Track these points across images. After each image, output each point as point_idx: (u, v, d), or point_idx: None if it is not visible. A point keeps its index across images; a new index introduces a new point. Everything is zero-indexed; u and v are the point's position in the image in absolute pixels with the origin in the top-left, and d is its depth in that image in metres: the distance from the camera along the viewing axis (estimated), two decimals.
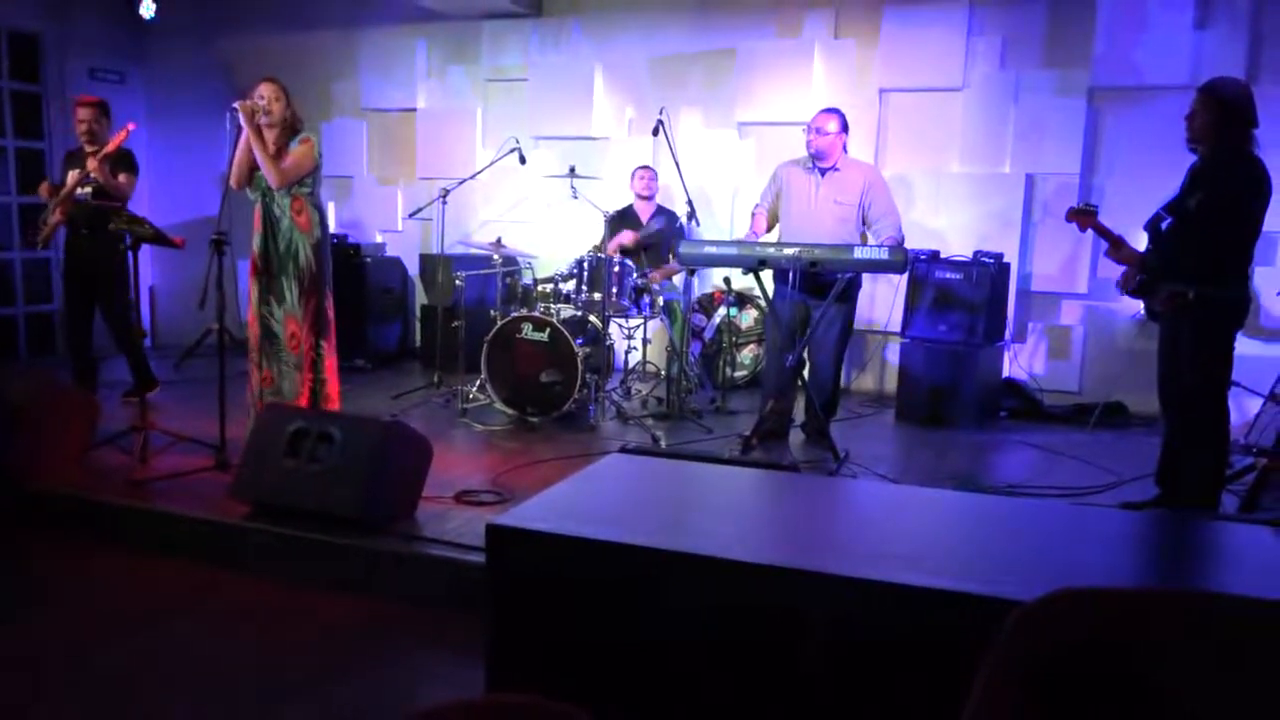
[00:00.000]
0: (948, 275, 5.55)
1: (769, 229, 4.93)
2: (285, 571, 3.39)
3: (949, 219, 6.12)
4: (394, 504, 3.54)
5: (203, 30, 7.76)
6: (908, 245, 4.73)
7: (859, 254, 4.33)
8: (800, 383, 4.75)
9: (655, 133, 5.43)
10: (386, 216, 7.56)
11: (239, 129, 4.18)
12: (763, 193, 4.97)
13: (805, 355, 4.73)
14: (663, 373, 6.00)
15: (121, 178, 5.18)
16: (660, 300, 5.65)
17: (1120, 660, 1.12)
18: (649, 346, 6.01)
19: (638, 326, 5.88)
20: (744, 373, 6.42)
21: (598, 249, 5.51)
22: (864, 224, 4.76)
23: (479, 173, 6.13)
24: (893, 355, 6.11)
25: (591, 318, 5.38)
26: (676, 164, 5.51)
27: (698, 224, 5.92)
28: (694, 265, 5.34)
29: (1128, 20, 5.65)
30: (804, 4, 6.40)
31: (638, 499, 2.55)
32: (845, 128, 4.74)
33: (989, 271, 5.48)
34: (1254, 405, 4.85)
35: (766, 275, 4.62)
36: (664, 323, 5.96)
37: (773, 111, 6.41)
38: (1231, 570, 2.28)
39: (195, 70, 7.74)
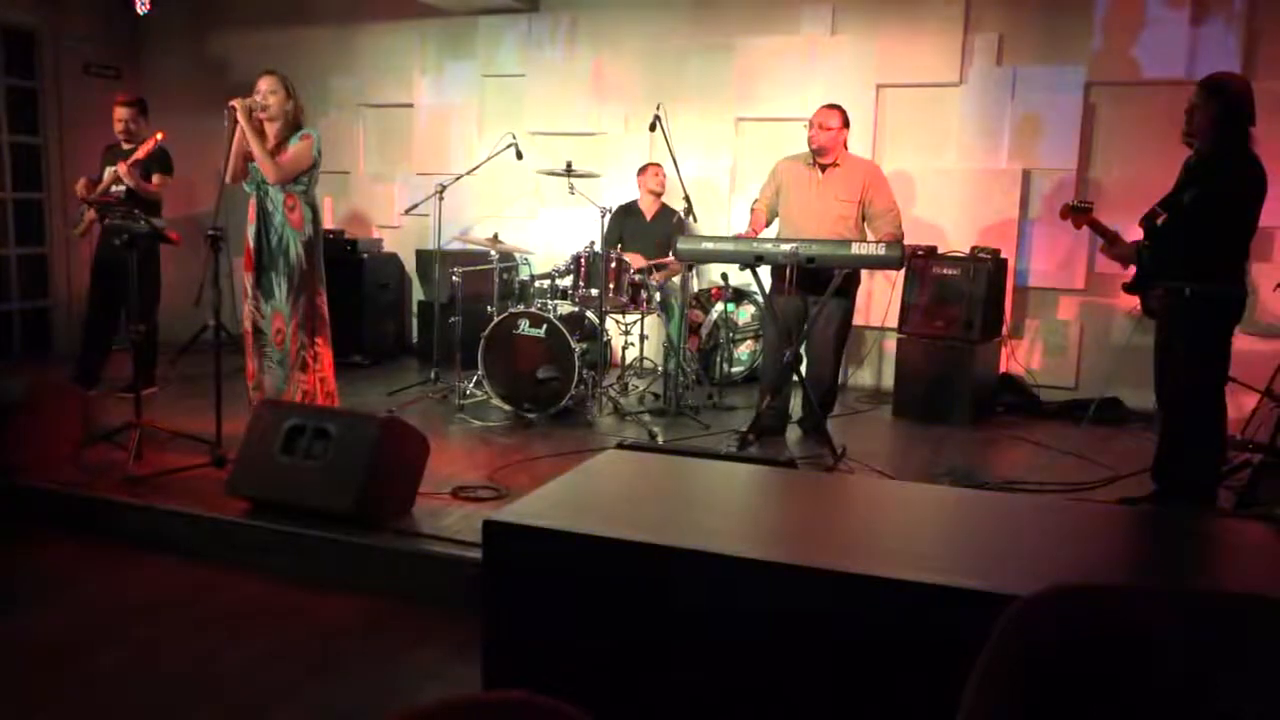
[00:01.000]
0: (945, 271, 5.55)
1: (767, 225, 4.93)
2: (281, 568, 3.39)
3: (946, 215, 6.12)
4: (391, 500, 3.54)
5: (199, 25, 7.75)
6: (906, 240, 4.74)
7: (856, 250, 4.33)
8: (798, 378, 4.75)
9: (652, 128, 5.42)
10: (383, 212, 7.55)
11: (235, 124, 4.16)
12: (761, 189, 4.97)
13: (803, 351, 4.74)
14: (660, 369, 5.99)
15: (155, 179, 5.32)
16: (657, 296, 5.65)
17: (1115, 657, 1.12)
18: (646, 342, 6.01)
19: (635, 322, 5.88)
20: (741, 368, 6.41)
21: (611, 248, 5.48)
22: (864, 220, 4.75)
23: (476, 168, 6.12)
24: (890, 351, 6.11)
25: (588, 314, 5.38)
26: (674, 160, 5.51)
27: (695, 220, 5.91)
28: (691, 261, 5.34)
29: (1124, 16, 5.66)
30: None
31: (635, 495, 2.55)
32: (846, 124, 4.74)
33: (986, 267, 5.48)
34: (1251, 401, 4.86)
35: (764, 271, 4.62)
36: (661, 318, 5.95)
37: (770, 107, 6.40)
38: (1228, 566, 2.28)
39: (191, 65, 7.72)
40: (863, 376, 6.47)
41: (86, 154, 6.07)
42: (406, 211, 6.41)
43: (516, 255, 5.93)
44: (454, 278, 5.75)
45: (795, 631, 1.93)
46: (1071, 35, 5.83)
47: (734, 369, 6.38)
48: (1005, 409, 5.78)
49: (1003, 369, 5.99)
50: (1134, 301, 4.03)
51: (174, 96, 7.35)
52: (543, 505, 2.31)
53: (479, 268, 5.92)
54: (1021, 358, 6.07)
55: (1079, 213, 4.03)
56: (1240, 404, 4.98)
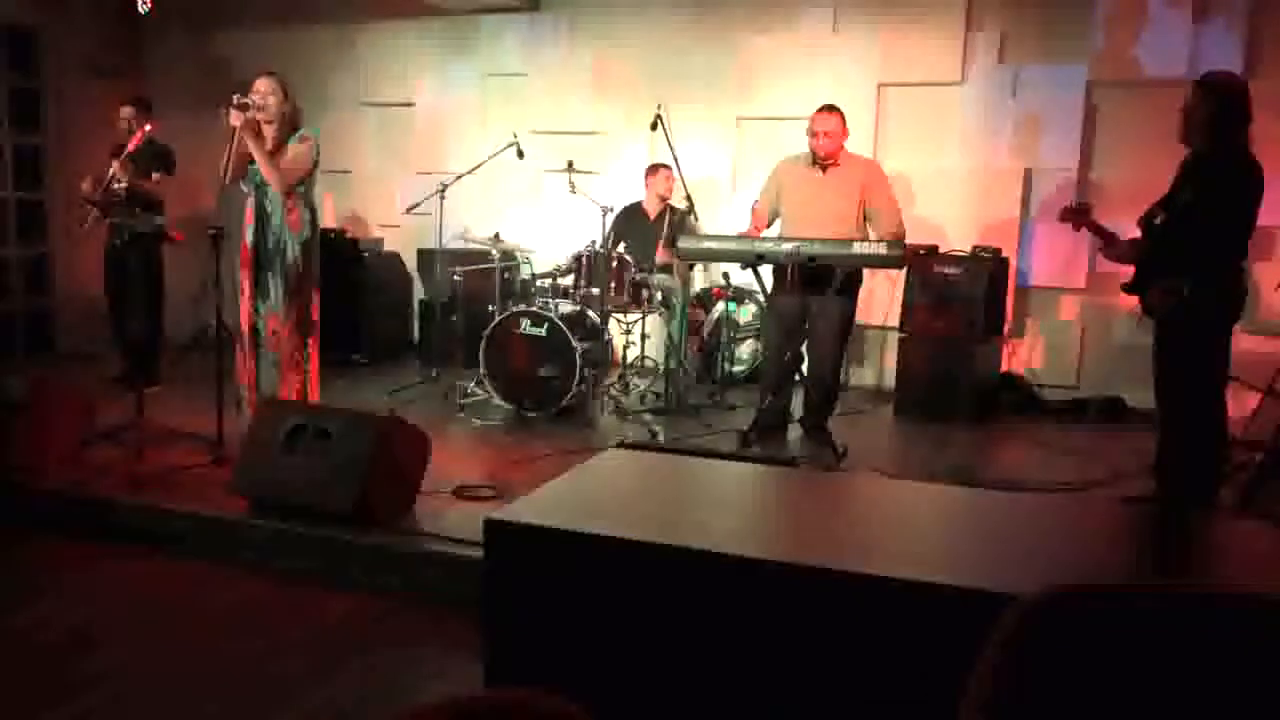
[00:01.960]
0: (946, 270, 5.55)
1: (768, 225, 4.93)
2: (283, 567, 3.39)
3: (947, 214, 6.11)
4: (391, 499, 3.54)
5: (200, 24, 7.75)
6: (907, 240, 4.73)
7: (857, 249, 4.33)
8: (799, 377, 4.75)
9: (654, 127, 5.41)
10: (384, 211, 7.55)
11: (234, 128, 4.14)
12: (762, 189, 4.97)
13: (804, 350, 4.73)
14: (661, 368, 5.99)
15: (155, 176, 5.27)
16: (659, 295, 5.65)
17: (1115, 657, 1.12)
18: (647, 341, 6.00)
19: (636, 321, 5.88)
20: (743, 368, 6.41)
21: (613, 248, 5.47)
22: (865, 219, 4.75)
23: (477, 167, 6.11)
24: (891, 350, 6.11)
25: (590, 313, 5.38)
26: (675, 159, 5.50)
27: (696, 219, 5.91)
28: (693, 260, 5.33)
29: (1126, 14, 5.65)
30: None
31: (636, 494, 2.55)
32: (845, 123, 4.74)
33: (988, 266, 5.48)
34: (1252, 400, 4.85)
35: (765, 270, 4.61)
36: (662, 317, 5.95)
37: (771, 106, 6.40)
38: (1228, 566, 2.28)
39: (193, 64, 7.71)
40: (864, 376, 6.47)
41: (88, 154, 6.07)
42: (408, 210, 6.41)
43: (518, 254, 5.92)
44: (455, 277, 5.75)
45: (795, 631, 1.93)
46: (1073, 34, 5.82)
47: (735, 368, 6.38)
48: (1007, 408, 5.78)
49: (1004, 368, 5.99)
50: (1135, 301, 4.03)
51: (176, 96, 7.34)
52: (544, 504, 2.32)
53: (480, 267, 5.92)
54: (1023, 357, 6.07)
55: (1077, 215, 4.02)
56: (1242, 403, 4.97)
